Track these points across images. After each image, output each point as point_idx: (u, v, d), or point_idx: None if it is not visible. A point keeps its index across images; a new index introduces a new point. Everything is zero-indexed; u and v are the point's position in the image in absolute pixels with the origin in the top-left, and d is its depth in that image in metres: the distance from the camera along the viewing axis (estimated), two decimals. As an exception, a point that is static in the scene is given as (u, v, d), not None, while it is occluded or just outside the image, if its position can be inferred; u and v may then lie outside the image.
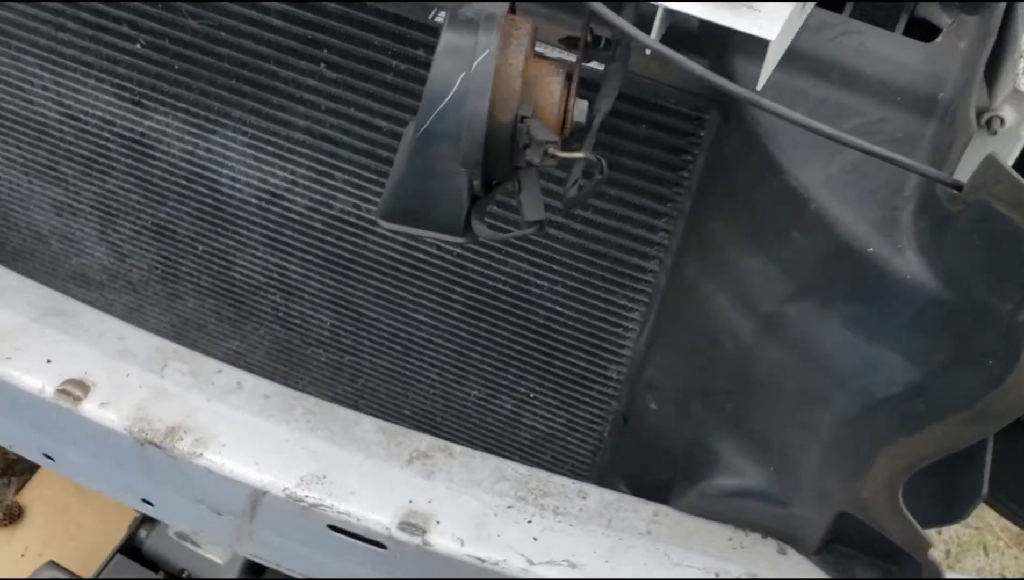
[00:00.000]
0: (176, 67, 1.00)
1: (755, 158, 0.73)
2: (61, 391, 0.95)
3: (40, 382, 0.96)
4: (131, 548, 1.78)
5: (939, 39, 0.72)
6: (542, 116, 0.64)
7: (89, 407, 0.95)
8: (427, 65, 0.64)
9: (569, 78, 0.65)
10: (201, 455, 0.93)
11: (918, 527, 0.79)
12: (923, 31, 0.76)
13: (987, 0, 0.72)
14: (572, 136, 0.68)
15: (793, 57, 0.69)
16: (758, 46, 0.60)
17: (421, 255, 1.06)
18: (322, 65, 0.92)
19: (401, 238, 1.04)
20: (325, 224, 1.09)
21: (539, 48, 0.72)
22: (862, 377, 0.74)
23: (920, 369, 0.70)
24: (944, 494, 0.89)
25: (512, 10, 0.65)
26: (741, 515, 0.93)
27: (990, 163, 0.59)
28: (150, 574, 1.74)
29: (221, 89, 1.00)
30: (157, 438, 0.94)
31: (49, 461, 1.08)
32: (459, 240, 0.67)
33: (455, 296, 1.08)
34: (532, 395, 1.16)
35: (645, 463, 1.05)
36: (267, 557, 1.04)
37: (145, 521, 1.81)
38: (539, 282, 1.01)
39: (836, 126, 0.63)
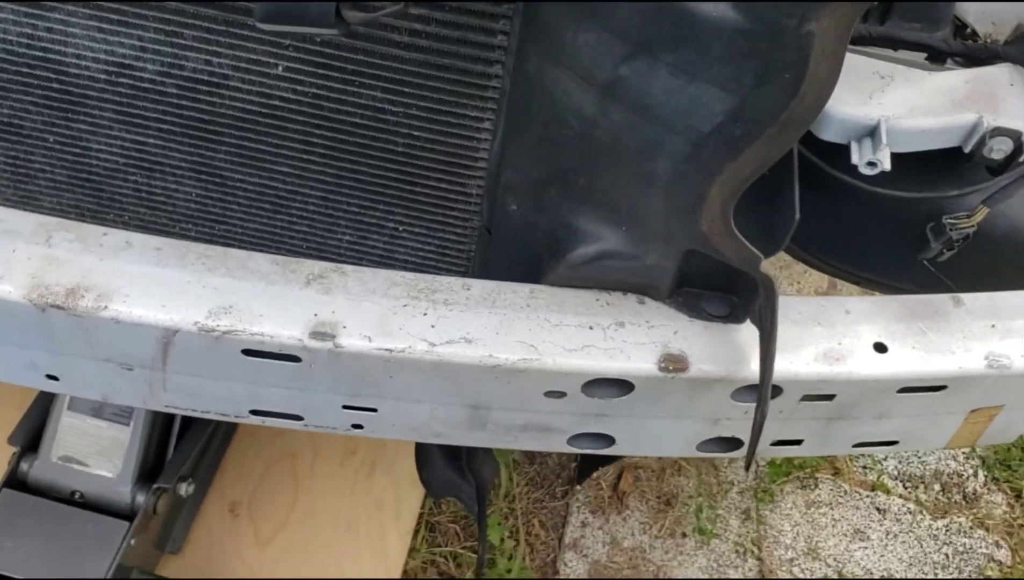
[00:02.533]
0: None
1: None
2: (-49, 271, 0.97)
3: (-76, 267, 0.98)
4: (16, 483, 1.78)
5: None
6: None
7: (-18, 283, 0.97)
8: None
9: None
10: (106, 308, 0.98)
11: (749, 245, 0.96)
12: None
13: None
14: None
15: None
16: None
17: (278, 103, 1.12)
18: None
19: (254, 87, 1.10)
20: (179, 88, 1.13)
21: None
22: (689, 117, 0.88)
23: (734, 96, 0.85)
24: (765, 228, 1.06)
25: None
26: (604, 277, 1.07)
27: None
28: (42, 502, 1.75)
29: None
30: (58, 300, 0.98)
31: (-61, 358, 1.09)
32: (333, 32, 0.75)
33: (315, 140, 1.15)
34: (401, 229, 1.26)
35: (513, 263, 1.17)
36: (181, 404, 1.10)
37: (25, 454, 1.81)
38: (394, 109, 1.10)
39: None
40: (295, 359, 1.01)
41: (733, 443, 1.15)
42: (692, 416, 1.09)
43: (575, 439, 1.14)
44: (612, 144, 0.96)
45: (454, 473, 1.55)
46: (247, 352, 1.00)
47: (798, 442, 1.16)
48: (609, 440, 1.13)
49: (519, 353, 1.01)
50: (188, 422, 1.86)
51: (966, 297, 1.13)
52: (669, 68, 0.86)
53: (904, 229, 1.22)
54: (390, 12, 0.78)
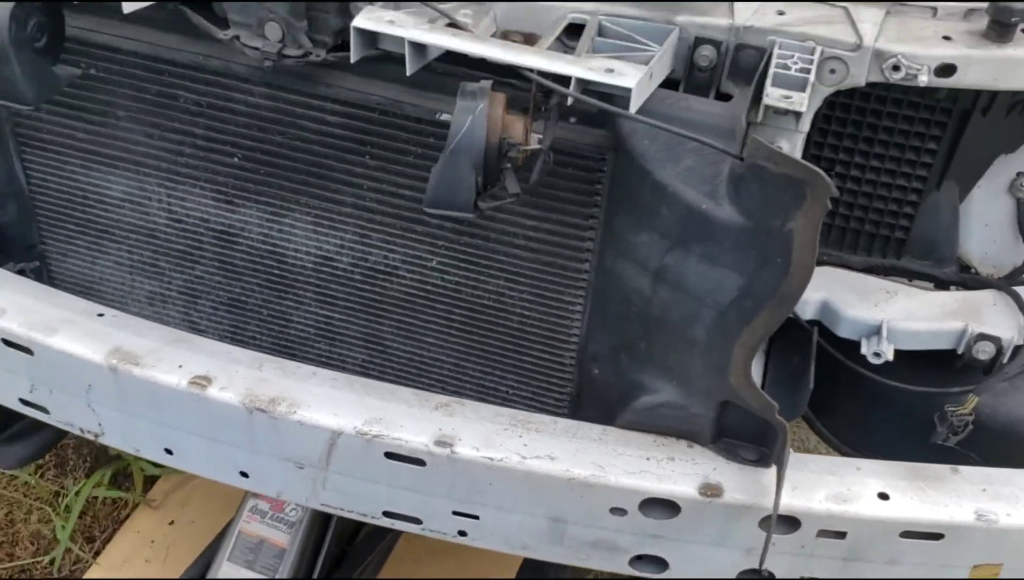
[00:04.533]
0: (262, 171, 1.52)
1: (635, 171, 1.25)
2: (192, 382, 1.39)
3: (175, 378, 1.39)
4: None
5: (733, 99, 1.29)
6: (513, 139, 1.17)
7: (213, 391, 1.38)
8: (436, 148, 1.17)
9: (526, 121, 1.18)
10: (295, 413, 1.36)
11: (766, 396, 1.27)
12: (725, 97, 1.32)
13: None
14: (531, 157, 1.20)
15: (650, 113, 1.23)
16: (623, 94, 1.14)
17: (430, 288, 1.55)
18: (367, 157, 1.44)
19: (416, 274, 1.53)
20: (363, 275, 1.57)
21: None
22: (714, 293, 1.24)
23: (743, 277, 1.20)
24: (791, 398, 1.38)
25: (493, 87, 1.18)
26: (660, 423, 1.38)
27: (753, 140, 1.12)
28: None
29: (294, 183, 1.51)
30: (263, 405, 1.37)
31: (168, 455, 1.49)
32: (470, 215, 1.18)
33: (454, 317, 1.56)
34: (511, 392, 1.62)
35: (594, 418, 1.50)
36: (333, 503, 1.44)
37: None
38: (511, 294, 1.50)
39: (678, 142, 1.17)
40: (421, 463, 1.35)
41: (767, 578, 1.38)
42: (729, 545, 1.35)
43: (636, 561, 1.40)
44: (663, 316, 1.32)
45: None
46: (388, 455, 1.35)
47: (821, 581, 1.38)
48: (663, 564, 1.39)
49: (590, 470, 1.32)
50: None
51: (963, 468, 1.38)
52: (698, 257, 1.23)
53: (916, 418, 1.49)
54: (509, 201, 1.19)
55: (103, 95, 1.51)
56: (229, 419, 1.40)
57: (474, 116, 1.13)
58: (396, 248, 1.53)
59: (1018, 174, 1.59)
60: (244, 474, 1.47)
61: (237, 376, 1.41)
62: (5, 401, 1.56)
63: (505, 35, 1.31)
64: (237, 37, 1.35)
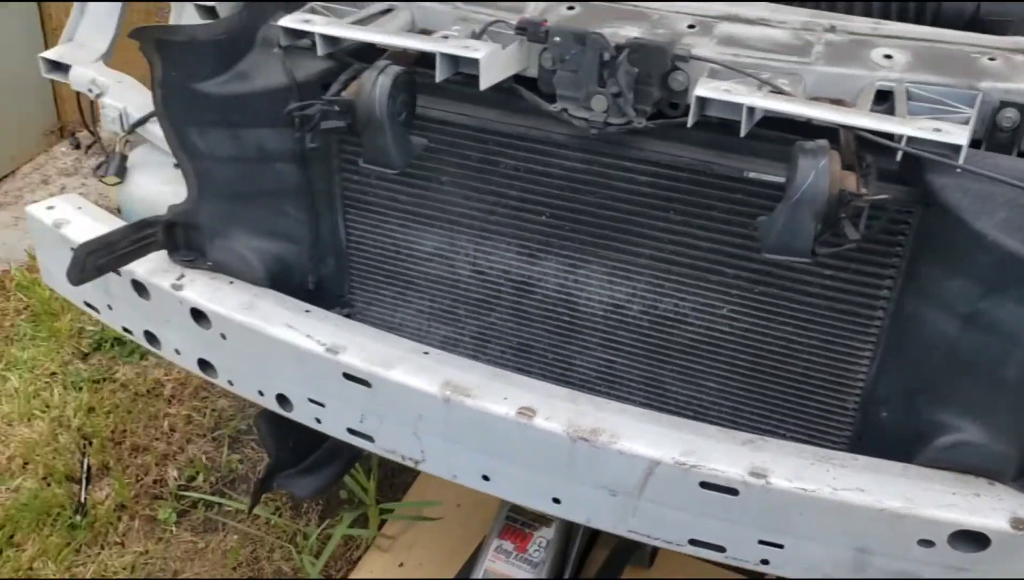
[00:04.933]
0: (567, 227, 1.69)
1: (949, 223, 1.37)
2: (520, 412, 1.54)
3: (504, 409, 1.55)
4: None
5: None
6: (850, 191, 1.30)
7: (538, 421, 1.53)
8: (742, 204, 1.32)
9: (857, 175, 1.32)
10: (615, 443, 1.50)
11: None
12: None
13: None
14: (857, 210, 1.33)
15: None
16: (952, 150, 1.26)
17: (717, 335, 1.68)
18: (671, 213, 1.60)
19: (704, 321, 1.66)
20: (651, 322, 1.72)
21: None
22: (1029, 335, 1.33)
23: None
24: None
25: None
26: (961, 461, 1.46)
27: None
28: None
29: (595, 237, 1.67)
30: (585, 435, 1.51)
31: (484, 482, 1.64)
32: (807, 259, 1.31)
33: (738, 361, 1.69)
34: (788, 435, 1.72)
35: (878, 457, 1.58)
36: (641, 530, 1.56)
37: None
38: (799, 340, 1.62)
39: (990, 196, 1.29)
40: (735, 492, 1.46)
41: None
42: (1037, 580, 1.41)
43: (937, 595, 1.47)
44: (970, 359, 1.41)
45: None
46: (703, 484, 1.47)
47: None
48: (966, 598, 1.46)
49: (900, 502, 1.41)
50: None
51: None
52: (1015, 301, 1.33)
53: None
54: (849, 245, 1.32)
55: (431, 162, 1.71)
56: (551, 447, 1.54)
57: (817, 170, 1.27)
58: (687, 296, 1.66)
59: None
60: (556, 500, 1.60)
61: (558, 408, 1.56)
62: (332, 430, 1.75)
63: (815, 100, 1.45)
64: (565, 109, 1.53)
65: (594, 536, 2.77)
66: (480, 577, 2.31)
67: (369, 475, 2.85)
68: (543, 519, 2.37)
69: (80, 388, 3.12)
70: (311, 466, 2.09)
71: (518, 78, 1.57)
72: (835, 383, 1.63)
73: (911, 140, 1.29)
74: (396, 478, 3.07)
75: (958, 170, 1.29)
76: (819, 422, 1.68)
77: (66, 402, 3.06)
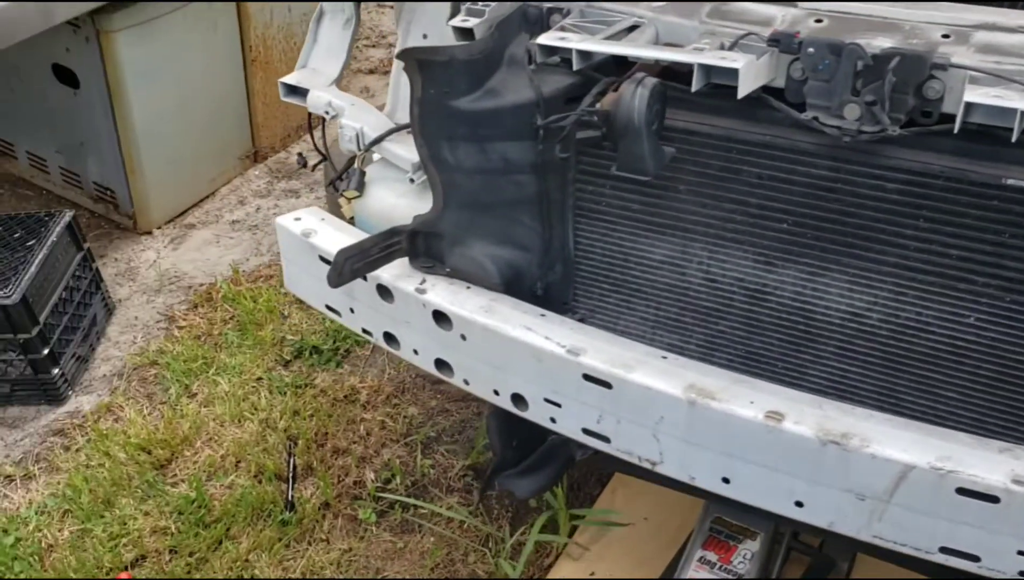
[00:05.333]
0: (808, 235, 1.71)
1: None
2: (768, 416, 1.57)
3: (752, 412, 1.59)
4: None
5: None
6: None
7: (787, 424, 1.56)
8: (997, 210, 1.32)
9: None
10: (867, 447, 1.51)
11: None
12: None
13: None
14: None
15: None
16: None
17: (961, 344, 1.66)
18: (920, 220, 1.60)
19: (949, 331, 1.65)
20: (890, 331, 1.72)
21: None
22: None
23: None
24: None
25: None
26: None
27: None
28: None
29: (837, 245, 1.69)
30: (835, 438, 1.53)
31: (723, 484, 1.67)
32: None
33: (982, 372, 1.66)
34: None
35: None
36: (887, 535, 1.56)
37: None
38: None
39: None
40: (995, 500, 1.45)
41: None
42: None
43: None
44: None
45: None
46: (960, 490, 1.46)
47: None
48: None
49: None
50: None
51: None
52: None
53: None
54: None
55: (668, 171, 1.77)
56: (799, 451, 1.56)
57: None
58: (932, 305, 1.66)
59: None
60: (799, 503, 1.62)
61: (805, 413, 1.58)
62: (566, 430, 1.82)
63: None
64: (816, 118, 1.57)
65: (788, 552, 2.76)
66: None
67: (559, 482, 2.91)
68: (747, 531, 2.38)
69: (284, 393, 3.31)
70: (530, 468, 2.16)
71: (765, 89, 1.62)
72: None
73: None
74: (582, 489, 3.13)
75: None
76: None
77: (272, 405, 3.25)
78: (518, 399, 1.86)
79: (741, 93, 1.52)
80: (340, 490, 3.00)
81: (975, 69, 1.47)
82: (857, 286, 1.71)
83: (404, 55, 1.69)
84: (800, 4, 1.68)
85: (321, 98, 2.32)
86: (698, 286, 1.87)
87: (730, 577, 2.33)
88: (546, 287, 2.00)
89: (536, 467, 2.17)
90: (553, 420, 1.83)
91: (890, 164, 1.59)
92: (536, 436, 2.18)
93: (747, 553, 2.35)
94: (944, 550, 1.53)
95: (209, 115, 4.13)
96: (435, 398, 3.37)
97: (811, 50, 1.53)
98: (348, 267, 1.82)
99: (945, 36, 1.55)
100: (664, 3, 1.75)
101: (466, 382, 1.93)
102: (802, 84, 1.57)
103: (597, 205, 1.90)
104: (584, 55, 1.66)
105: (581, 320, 1.98)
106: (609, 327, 2.01)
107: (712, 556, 2.36)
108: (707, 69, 1.54)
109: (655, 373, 1.68)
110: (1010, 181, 1.49)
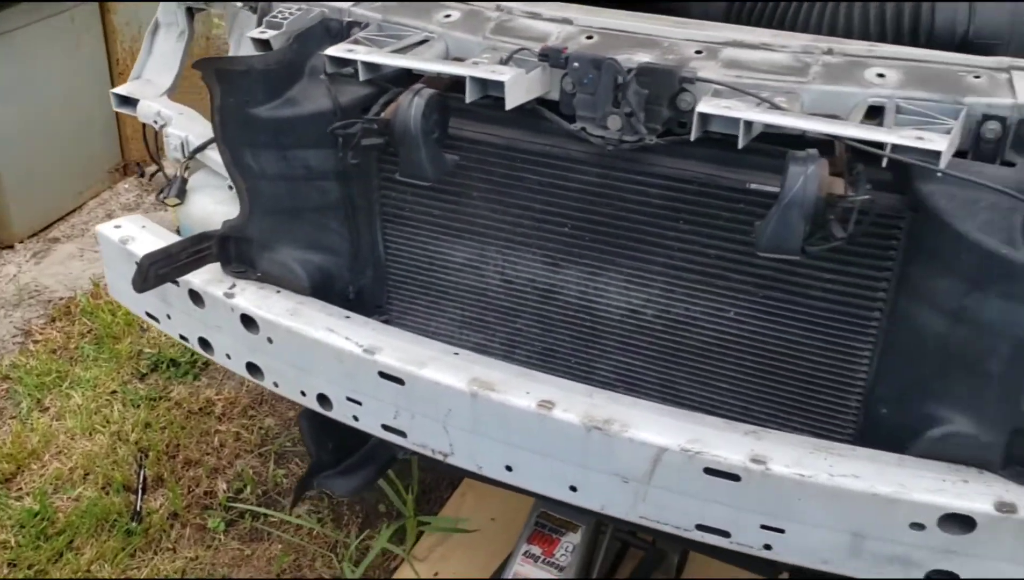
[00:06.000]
0: (586, 237, 1.83)
1: (936, 226, 1.48)
2: (540, 405, 1.67)
3: (526, 402, 1.68)
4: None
5: (1017, 165, 1.50)
6: (840, 199, 1.42)
7: (557, 412, 1.66)
8: (745, 212, 1.45)
9: (844, 181, 1.44)
10: (627, 431, 1.62)
11: (1058, 421, 1.43)
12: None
13: None
14: (845, 213, 1.45)
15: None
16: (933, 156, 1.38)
17: (726, 337, 1.79)
18: (680, 222, 1.73)
19: (714, 325, 1.78)
20: (664, 326, 1.84)
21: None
22: (1012, 327, 1.43)
23: (1039, 311, 1.40)
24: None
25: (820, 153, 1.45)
26: (951, 452, 1.55)
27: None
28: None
29: (612, 247, 1.81)
30: (599, 424, 1.63)
31: (507, 472, 1.76)
32: (797, 257, 1.43)
33: (746, 363, 1.80)
34: (795, 433, 1.82)
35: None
36: (650, 515, 1.67)
37: None
38: (804, 342, 1.73)
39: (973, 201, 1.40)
40: (737, 478, 1.57)
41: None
42: (1021, 561, 1.49)
43: (931, 576, 1.55)
44: (958, 354, 1.51)
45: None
46: (707, 470, 1.58)
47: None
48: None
49: (893, 487, 1.50)
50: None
51: None
52: (998, 296, 1.43)
53: None
54: (834, 245, 1.44)
55: (461, 179, 1.87)
56: (568, 437, 1.67)
57: (807, 175, 1.40)
58: (698, 301, 1.79)
59: None
60: (573, 488, 1.72)
61: (575, 401, 1.69)
62: (368, 427, 1.89)
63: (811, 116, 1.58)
64: (584, 128, 1.68)
65: (624, 548, 2.87)
66: (509, 578, 2.42)
67: (408, 489, 2.98)
68: (570, 525, 2.48)
69: (138, 406, 3.31)
70: (349, 468, 2.23)
71: (542, 101, 1.73)
72: (838, 382, 1.73)
73: (896, 148, 1.41)
74: (433, 493, 3.20)
75: (939, 175, 1.41)
76: (824, 420, 1.78)
77: (125, 418, 3.25)
78: (323, 399, 1.93)
79: (508, 104, 1.63)
80: (190, 500, 3.02)
81: (717, 82, 1.60)
82: (632, 284, 1.83)
83: (200, 65, 1.76)
84: (576, 21, 1.80)
85: (151, 108, 2.37)
86: (496, 287, 1.97)
87: (552, 570, 2.42)
88: (359, 290, 2.08)
89: (356, 467, 2.24)
90: (356, 418, 1.90)
91: (652, 171, 1.71)
92: (359, 436, 2.25)
93: (569, 546, 2.45)
94: (700, 527, 1.65)
95: (74, 129, 4.11)
96: (294, 408, 3.40)
97: (576, 64, 1.64)
98: (153, 272, 1.87)
99: (698, 52, 1.69)
100: (454, 20, 1.85)
101: (276, 385, 1.99)
102: (572, 97, 1.68)
103: (402, 210, 1.99)
104: (370, 67, 1.75)
105: (386, 321, 2.06)
106: (421, 329, 2.10)
107: (536, 550, 2.46)
108: (479, 82, 1.65)
109: (444, 368, 1.77)
110: (753, 186, 1.62)
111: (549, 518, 2.50)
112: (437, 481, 3.29)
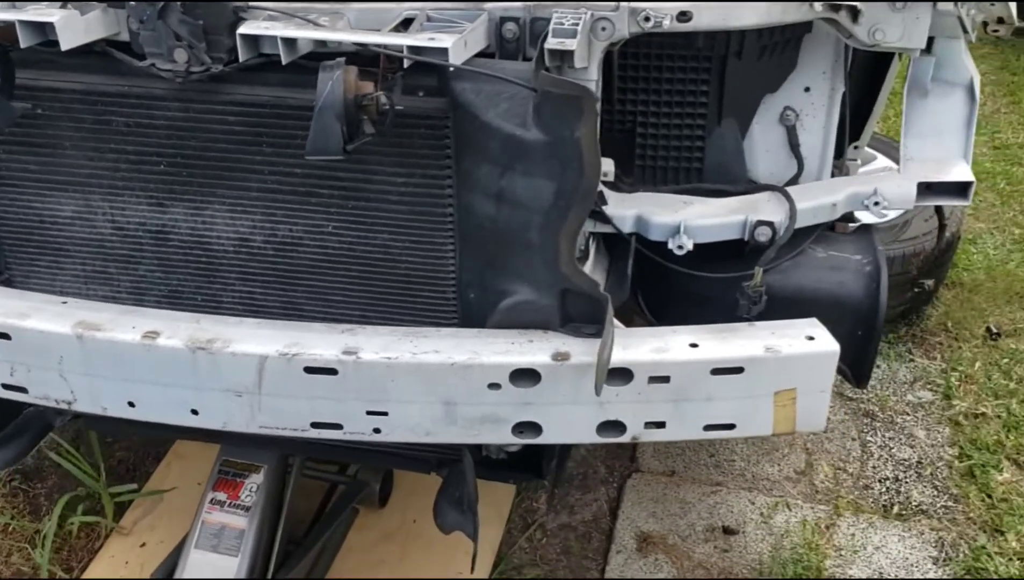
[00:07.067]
0: (183, 173, 1.89)
1: (468, 119, 1.66)
2: (145, 336, 1.73)
3: (131, 335, 1.74)
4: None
5: (533, 58, 1.70)
6: (367, 99, 1.57)
7: (162, 341, 1.73)
8: None
9: (375, 85, 1.59)
10: (229, 347, 1.71)
11: (589, 276, 1.66)
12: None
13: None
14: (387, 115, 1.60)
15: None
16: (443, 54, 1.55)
17: (330, 250, 1.91)
18: (263, 146, 1.82)
19: (317, 241, 1.90)
20: (274, 249, 1.94)
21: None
22: (537, 201, 1.64)
23: (554, 181, 1.61)
24: (617, 289, 1.77)
25: (347, 61, 1.58)
26: (520, 318, 1.76)
27: (542, 74, 1.54)
28: None
29: (210, 179, 1.88)
30: (202, 345, 1.72)
31: (131, 408, 1.81)
32: (341, 157, 1.56)
33: (353, 273, 1.93)
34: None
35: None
36: (270, 423, 1.77)
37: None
38: (396, 245, 1.88)
39: (496, 93, 1.59)
40: (334, 372, 1.70)
41: (619, 427, 1.75)
42: (584, 401, 1.72)
43: (517, 432, 1.75)
44: (507, 230, 1.71)
45: (458, 515, 2.11)
46: (307, 369, 1.70)
47: (662, 424, 1.75)
48: (538, 429, 1.75)
49: (467, 355, 1.69)
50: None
51: (757, 322, 1.77)
52: (521, 175, 1.63)
53: (725, 302, 1.88)
54: (367, 140, 1.58)
55: (50, 130, 1.87)
56: (177, 362, 1.74)
57: (333, 80, 1.53)
58: (298, 220, 1.90)
59: (784, 108, 2.03)
60: (195, 411, 1.80)
61: (180, 328, 1.76)
62: (-9, 391, 1.88)
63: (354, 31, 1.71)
64: (153, 64, 1.74)
65: (333, 487, 2.98)
66: (196, 530, 2.47)
67: (98, 470, 2.95)
68: (251, 467, 2.55)
69: None
70: (2, 440, 2.19)
71: (117, 43, 1.76)
72: (433, 278, 1.90)
73: (413, 49, 1.57)
74: (139, 469, 3.18)
75: (452, 70, 1.58)
76: (430, 316, 1.94)
77: None
78: (-60, 369, 1.89)
79: (64, 46, 1.65)
80: None
81: (272, 9, 1.70)
82: (236, 213, 1.91)
83: None
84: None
85: None
86: (111, 236, 1.99)
87: (239, 511, 2.49)
88: (-25, 259, 2.04)
89: (8, 438, 2.20)
90: (-21, 384, 1.88)
91: (228, 99, 1.79)
92: (11, 407, 2.21)
93: (253, 486, 2.52)
94: (315, 425, 1.77)
95: None
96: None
97: (133, 3, 1.69)
98: None
99: (256, -16, 1.78)
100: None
101: None
102: (138, 35, 1.73)
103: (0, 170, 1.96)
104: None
105: (8, 282, 2.03)
106: (46, 289, 2.08)
107: (222, 496, 2.52)
108: (31, 25, 1.66)
109: (48, 317, 1.79)
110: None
111: (231, 464, 2.57)
112: (142, 458, 3.26)
